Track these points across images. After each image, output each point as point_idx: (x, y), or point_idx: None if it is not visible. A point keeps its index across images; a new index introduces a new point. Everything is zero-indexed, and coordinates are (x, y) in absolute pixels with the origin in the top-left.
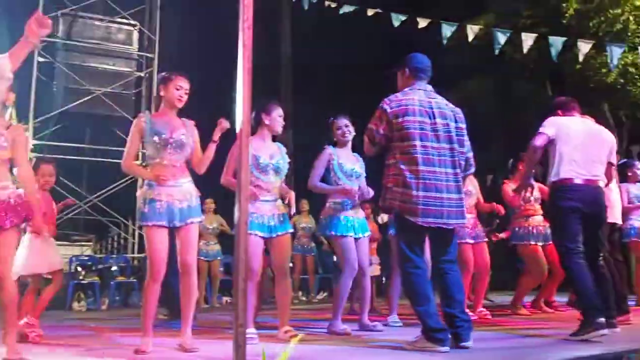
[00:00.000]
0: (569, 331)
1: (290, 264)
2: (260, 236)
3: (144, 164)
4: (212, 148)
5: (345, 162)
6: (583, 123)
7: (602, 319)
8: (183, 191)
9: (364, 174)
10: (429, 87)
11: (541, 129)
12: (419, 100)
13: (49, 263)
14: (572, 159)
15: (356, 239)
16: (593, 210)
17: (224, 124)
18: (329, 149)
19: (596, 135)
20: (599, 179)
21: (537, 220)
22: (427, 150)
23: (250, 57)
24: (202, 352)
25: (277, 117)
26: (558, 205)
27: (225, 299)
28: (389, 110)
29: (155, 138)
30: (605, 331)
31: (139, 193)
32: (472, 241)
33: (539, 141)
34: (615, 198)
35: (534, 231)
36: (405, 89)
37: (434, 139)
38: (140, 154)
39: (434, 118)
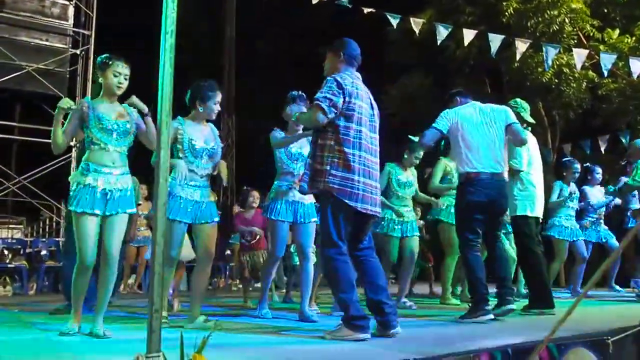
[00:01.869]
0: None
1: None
2: (184, 223)
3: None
4: (149, 122)
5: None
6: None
7: (489, 307)
8: (121, 180)
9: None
10: (360, 76)
11: None
12: (361, 87)
13: None
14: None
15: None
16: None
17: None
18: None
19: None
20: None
21: None
22: (367, 138)
23: (174, 32)
24: (120, 337)
25: (212, 106)
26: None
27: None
28: (344, 86)
29: (99, 123)
30: (491, 316)
31: (72, 177)
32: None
33: None
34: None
35: None
36: (341, 73)
37: (370, 127)
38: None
39: (372, 108)
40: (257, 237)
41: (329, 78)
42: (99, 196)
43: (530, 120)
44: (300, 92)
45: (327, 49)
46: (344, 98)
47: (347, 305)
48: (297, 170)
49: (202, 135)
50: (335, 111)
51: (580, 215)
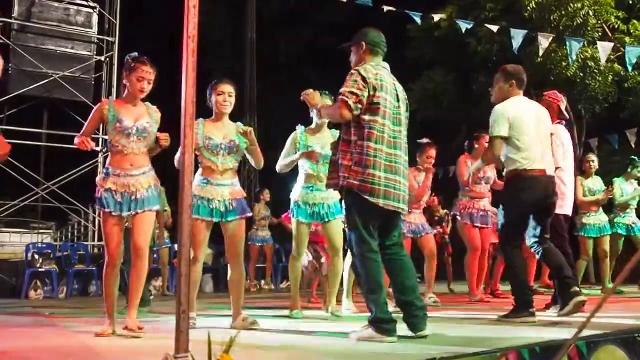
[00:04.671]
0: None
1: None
2: (207, 221)
3: (104, 150)
4: (157, 151)
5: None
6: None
7: (534, 310)
8: (142, 180)
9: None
10: (388, 66)
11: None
12: (387, 79)
13: None
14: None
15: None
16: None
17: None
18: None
19: None
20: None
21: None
22: (390, 132)
23: (195, 37)
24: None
25: (217, 98)
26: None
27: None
28: (368, 80)
29: (118, 125)
30: (535, 320)
31: (97, 180)
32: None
33: None
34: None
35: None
36: (366, 65)
37: (396, 121)
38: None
39: (398, 100)
40: None
41: (353, 71)
42: (120, 198)
43: (566, 115)
44: (323, 91)
45: (349, 44)
46: (369, 92)
47: (374, 306)
48: (321, 172)
49: (220, 131)
50: (362, 107)
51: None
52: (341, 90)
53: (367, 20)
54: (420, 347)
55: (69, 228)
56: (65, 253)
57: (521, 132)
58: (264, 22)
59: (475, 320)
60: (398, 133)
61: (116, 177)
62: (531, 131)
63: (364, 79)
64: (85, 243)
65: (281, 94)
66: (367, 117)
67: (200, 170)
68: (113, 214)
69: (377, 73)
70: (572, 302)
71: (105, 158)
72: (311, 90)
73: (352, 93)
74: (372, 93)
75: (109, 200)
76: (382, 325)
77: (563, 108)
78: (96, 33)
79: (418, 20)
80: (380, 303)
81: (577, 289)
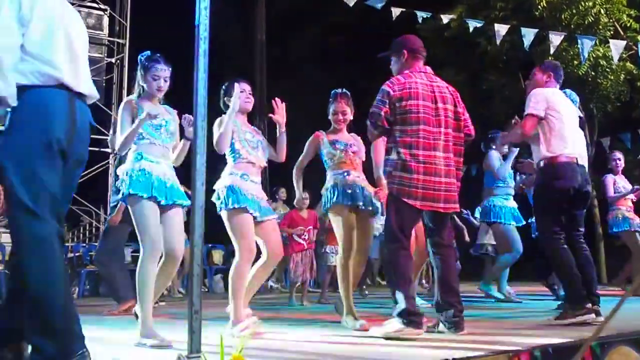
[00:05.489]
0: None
1: None
2: (254, 215)
3: (114, 151)
4: (187, 145)
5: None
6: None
7: (590, 305)
8: (172, 172)
9: None
10: (429, 70)
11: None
12: (421, 84)
13: None
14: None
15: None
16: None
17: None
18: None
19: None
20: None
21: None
22: (427, 135)
23: (206, 38)
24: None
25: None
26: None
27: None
28: (392, 93)
29: (149, 120)
30: (594, 316)
31: (120, 167)
32: None
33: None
34: None
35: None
36: (405, 72)
37: (435, 123)
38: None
39: (436, 103)
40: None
41: (382, 87)
42: (155, 181)
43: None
44: (343, 90)
45: (389, 52)
46: (392, 105)
47: (404, 300)
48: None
49: (249, 127)
50: (382, 125)
51: None
52: (371, 109)
53: (375, 20)
54: (429, 344)
55: (80, 229)
56: (77, 254)
57: (557, 117)
58: (272, 22)
59: (490, 320)
60: (438, 134)
61: (149, 161)
62: (566, 119)
63: (387, 94)
64: (96, 244)
65: (290, 94)
66: (398, 127)
67: (234, 165)
68: (147, 195)
69: (405, 82)
70: (582, 317)
71: (116, 160)
72: None
73: (372, 114)
74: (397, 104)
75: (142, 180)
76: (411, 317)
77: (577, 107)
78: (107, 35)
79: (423, 15)
80: (409, 296)
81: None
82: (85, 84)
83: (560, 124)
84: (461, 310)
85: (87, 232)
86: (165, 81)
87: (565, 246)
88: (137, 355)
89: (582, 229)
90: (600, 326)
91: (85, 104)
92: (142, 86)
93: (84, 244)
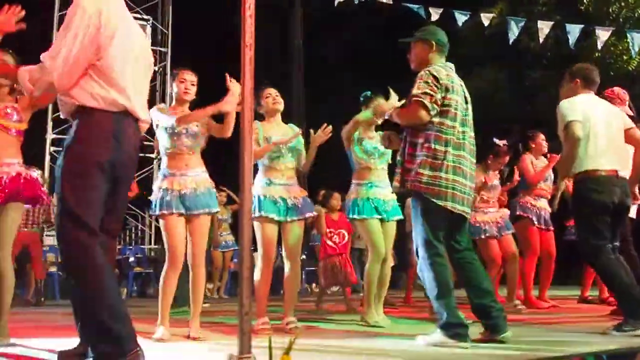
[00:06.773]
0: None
1: None
2: (276, 220)
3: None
4: (232, 114)
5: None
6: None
7: None
8: (197, 180)
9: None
10: (453, 67)
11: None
12: (456, 80)
13: None
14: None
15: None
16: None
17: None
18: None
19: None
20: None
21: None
22: (458, 134)
23: (252, 46)
24: (211, 341)
25: (266, 100)
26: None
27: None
28: (441, 80)
29: (170, 129)
30: None
31: (154, 185)
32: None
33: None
34: None
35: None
36: (435, 65)
37: (464, 122)
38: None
39: (466, 102)
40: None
41: (423, 72)
42: (177, 197)
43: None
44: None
45: (412, 40)
46: (442, 93)
47: (445, 311)
48: (376, 165)
49: (278, 131)
50: (438, 108)
51: None
52: (413, 92)
53: (412, 20)
54: (479, 351)
55: (127, 232)
56: (124, 256)
57: (590, 129)
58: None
59: (541, 324)
60: (465, 134)
61: (171, 176)
62: (601, 129)
63: (436, 79)
64: (142, 246)
65: (328, 97)
66: (436, 120)
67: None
68: (169, 212)
69: (447, 74)
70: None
71: (160, 163)
72: (381, 100)
73: (426, 94)
74: (443, 95)
75: (166, 199)
76: (454, 329)
77: (626, 105)
78: (149, 44)
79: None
80: (451, 307)
81: None
82: (145, 111)
83: (594, 135)
84: (500, 310)
85: (133, 235)
86: (192, 85)
87: (612, 256)
88: (190, 355)
89: (630, 238)
90: None
91: (138, 128)
92: (172, 93)
93: (131, 247)
